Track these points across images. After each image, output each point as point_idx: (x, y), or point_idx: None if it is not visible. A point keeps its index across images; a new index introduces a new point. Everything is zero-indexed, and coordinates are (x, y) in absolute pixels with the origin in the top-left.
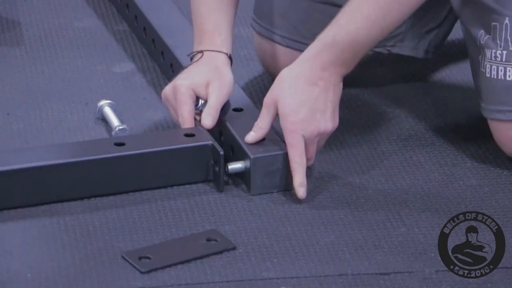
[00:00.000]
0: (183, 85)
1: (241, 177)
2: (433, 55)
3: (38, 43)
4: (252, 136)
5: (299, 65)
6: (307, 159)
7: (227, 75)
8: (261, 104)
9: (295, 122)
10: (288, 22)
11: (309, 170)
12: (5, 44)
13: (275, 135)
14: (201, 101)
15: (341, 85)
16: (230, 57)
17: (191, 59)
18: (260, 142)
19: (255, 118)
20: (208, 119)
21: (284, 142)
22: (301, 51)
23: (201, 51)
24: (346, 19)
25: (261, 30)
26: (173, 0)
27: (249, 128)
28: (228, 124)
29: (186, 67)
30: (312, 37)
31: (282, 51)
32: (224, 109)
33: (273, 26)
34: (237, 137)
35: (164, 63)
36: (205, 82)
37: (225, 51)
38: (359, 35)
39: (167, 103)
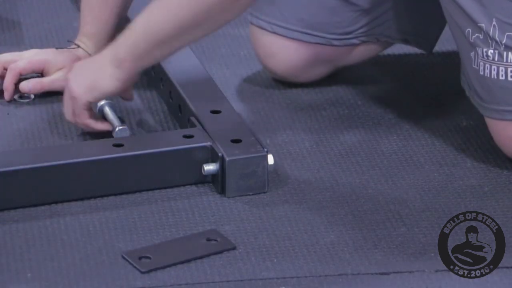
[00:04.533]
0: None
1: (216, 178)
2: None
3: (38, 43)
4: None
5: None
6: None
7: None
8: (260, 106)
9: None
10: (275, 7)
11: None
12: (5, 44)
13: (252, 137)
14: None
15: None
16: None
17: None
18: (236, 143)
19: (233, 119)
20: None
21: (260, 144)
22: (286, 36)
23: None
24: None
25: (252, 19)
26: None
27: (226, 130)
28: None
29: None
30: (296, 21)
31: (268, 37)
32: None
33: (262, 13)
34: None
35: None
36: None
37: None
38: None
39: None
